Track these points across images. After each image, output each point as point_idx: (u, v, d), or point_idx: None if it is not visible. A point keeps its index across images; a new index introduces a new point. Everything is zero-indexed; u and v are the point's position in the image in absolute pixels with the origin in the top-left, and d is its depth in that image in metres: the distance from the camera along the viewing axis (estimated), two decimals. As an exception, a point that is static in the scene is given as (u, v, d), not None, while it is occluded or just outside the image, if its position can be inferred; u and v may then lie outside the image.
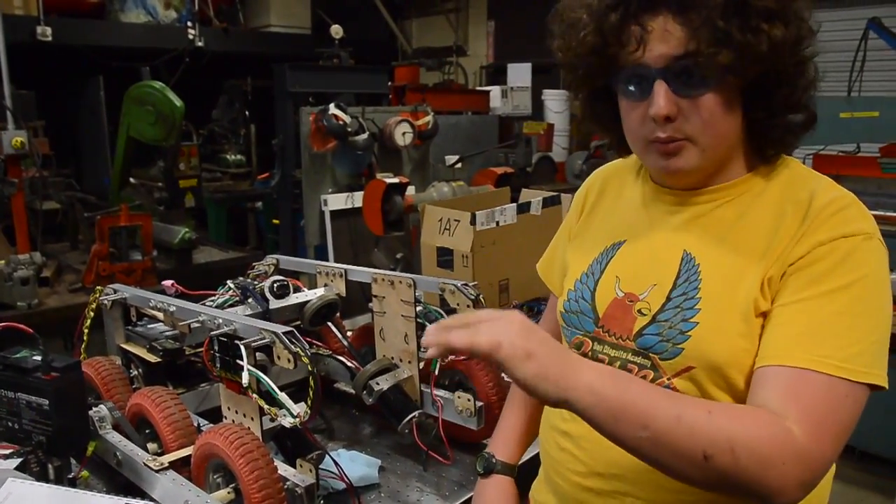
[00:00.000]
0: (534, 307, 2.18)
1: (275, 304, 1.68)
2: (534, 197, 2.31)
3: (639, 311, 1.07)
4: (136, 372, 1.72)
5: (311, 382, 1.23)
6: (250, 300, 1.69)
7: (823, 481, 1.03)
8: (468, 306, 1.61)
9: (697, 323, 1.00)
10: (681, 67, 0.96)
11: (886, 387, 0.93)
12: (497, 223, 2.15)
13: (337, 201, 4.36)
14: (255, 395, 1.29)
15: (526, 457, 1.39)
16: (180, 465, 1.36)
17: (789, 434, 0.87)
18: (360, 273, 1.77)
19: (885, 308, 0.95)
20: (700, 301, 1.01)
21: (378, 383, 1.60)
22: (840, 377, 0.90)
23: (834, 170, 4.15)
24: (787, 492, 0.87)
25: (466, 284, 1.62)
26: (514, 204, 2.23)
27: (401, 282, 1.63)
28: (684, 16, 0.94)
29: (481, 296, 1.61)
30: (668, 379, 1.03)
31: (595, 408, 0.88)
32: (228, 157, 6.93)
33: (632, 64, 0.99)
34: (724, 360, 0.98)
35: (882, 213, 3.56)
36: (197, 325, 1.45)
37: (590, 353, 1.13)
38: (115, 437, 1.46)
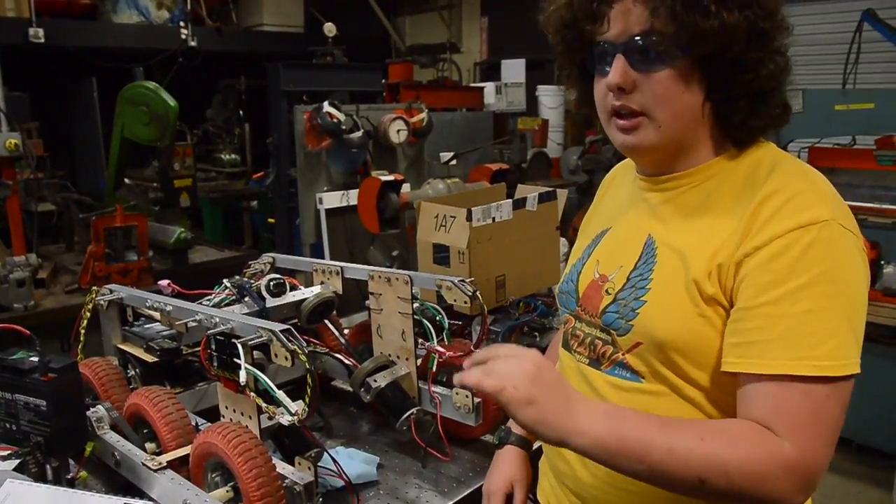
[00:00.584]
0: (530, 303, 2.18)
1: (271, 302, 1.68)
2: (530, 193, 2.30)
3: (606, 290, 1.15)
4: (133, 372, 1.72)
5: (309, 380, 1.23)
6: (247, 299, 1.68)
7: None
8: (465, 303, 1.61)
9: (646, 301, 1.07)
10: (637, 44, 1.02)
11: (858, 371, 0.95)
12: (493, 219, 2.14)
13: (332, 199, 4.35)
14: (252, 394, 1.29)
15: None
16: (178, 465, 1.36)
17: (780, 449, 0.91)
18: (357, 270, 1.77)
19: (853, 295, 0.96)
20: (651, 281, 1.07)
21: (376, 380, 1.60)
22: (819, 376, 0.92)
23: (829, 162, 4.15)
24: (786, 501, 0.91)
25: (464, 280, 1.62)
26: (510, 200, 2.22)
27: (397, 279, 1.63)
28: None
29: (478, 292, 1.61)
30: (623, 354, 1.10)
31: (592, 448, 0.95)
32: (223, 156, 6.92)
33: (598, 41, 1.06)
34: (666, 337, 1.03)
35: (878, 205, 3.56)
36: (194, 324, 1.44)
37: (571, 330, 1.22)
38: (113, 438, 1.46)
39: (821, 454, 0.92)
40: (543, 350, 1.52)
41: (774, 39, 1.04)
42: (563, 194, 2.45)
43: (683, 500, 1.05)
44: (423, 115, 4.76)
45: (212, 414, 1.54)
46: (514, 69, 6.98)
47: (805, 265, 0.94)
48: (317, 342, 1.79)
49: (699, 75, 1.03)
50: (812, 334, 0.93)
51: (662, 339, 1.03)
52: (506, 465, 1.40)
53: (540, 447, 1.43)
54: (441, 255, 2.19)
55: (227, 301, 1.69)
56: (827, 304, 0.93)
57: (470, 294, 1.59)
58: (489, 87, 6.71)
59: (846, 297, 0.95)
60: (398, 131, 4.56)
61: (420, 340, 1.67)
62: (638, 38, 1.01)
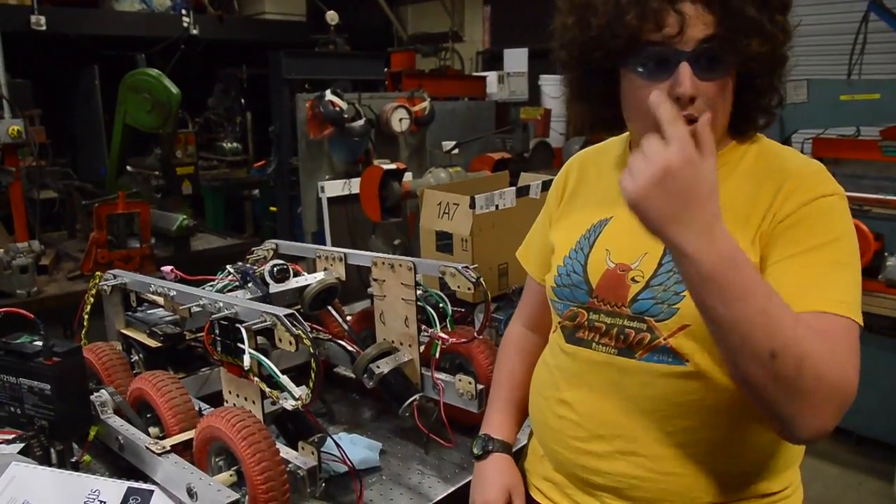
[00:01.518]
0: (533, 291, 2.18)
1: (275, 288, 1.68)
2: (533, 181, 2.30)
3: (632, 279, 1.12)
4: (136, 357, 1.72)
5: (313, 365, 1.23)
6: (250, 285, 1.68)
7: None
8: (469, 289, 1.61)
9: None
10: (705, 51, 1.01)
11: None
12: (496, 207, 2.15)
13: (334, 188, 4.35)
14: (256, 379, 1.30)
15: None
16: (182, 449, 1.36)
17: (847, 369, 0.93)
18: (360, 257, 1.77)
19: (859, 262, 1.04)
20: None
21: (378, 367, 1.61)
22: (850, 318, 0.97)
23: (833, 153, 4.14)
24: (821, 421, 0.92)
25: (467, 267, 1.61)
26: (514, 188, 2.23)
27: (401, 265, 1.63)
28: (711, 4, 1.00)
29: (481, 278, 1.61)
30: (665, 339, 1.08)
31: (702, 258, 0.89)
32: (224, 144, 6.91)
33: (660, 44, 1.02)
34: None
35: (883, 196, 3.54)
36: (197, 309, 1.44)
37: (585, 323, 1.17)
38: (116, 422, 1.46)
39: (857, 385, 0.94)
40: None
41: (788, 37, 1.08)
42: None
43: (724, 479, 1.09)
44: (426, 103, 4.75)
45: (214, 399, 1.55)
46: (516, 58, 6.96)
47: (828, 225, 1.02)
48: (320, 328, 1.79)
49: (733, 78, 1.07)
50: (838, 282, 1.00)
51: None
52: (497, 473, 1.33)
53: (520, 449, 1.40)
54: (444, 242, 2.19)
55: (230, 287, 1.69)
56: (847, 261, 1.02)
57: (473, 281, 1.59)
58: (491, 77, 6.70)
59: (857, 261, 1.03)
60: (400, 120, 4.56)
61: (423, 327, 1.67)
62: (707, 43, 1.01)
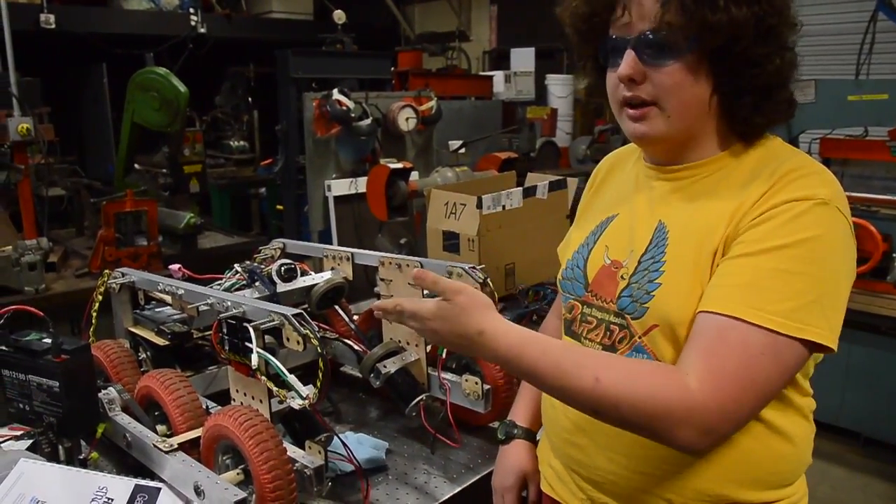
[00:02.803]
0: (539, 291, 2.18)
1: (282, 287, 1.68)
2: (540, 181, 2.30)
3: (621, 276, 1.15)
4: (144, 355, 1.73)
5: (321, 364, 1.23)
6: (257, 283, 1.68)
7: (800, 454, 1.13)
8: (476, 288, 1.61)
9: (660, 284, 1.08)
10: (648, 39, 1.04)
11: (833, 347, 0.97)
12: (503, 207, 2.14)
13: (340, 187, 4.36)
14: (263, 378, 1.30)
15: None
16: (189, 447, 1.37)
17: (683, 390, 0.94)
18: (367, 256, 1.77)
19: (830, 271, 0.98)
20: (665, 264, 1.09)
21: (385, 366, 1.61)
22: (767, 328, 0.94)
23: (841, 153, 4.12)
24: (682, 440, 0.95)
25: (474, 267, 1.61)
26: (521, 188, 2.22)
27: (408, 265, 1.63)
28: None
29: (488, 278, 1.60)
30: (639, 338, 1.11)
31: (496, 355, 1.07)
32: (231, 143, 6.92)
33: (611, 35, 1.09)
34: (680, 318, 1.04)
35: (891, 197, 3.53)
36: (205, 307, 1.44)
37: (579, 316, 1.22)
38: (124, 419, 1.46)
39: (731, 404, 0.94)
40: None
41: (782, 35, 1.06)
42: (573, 183, 2.45)
43: (698, 483, 1.08)
44: (432, 103, 4.75)
45: (222, 398, 1.55)
46: (523, 58, 6.96)
47: (789, 230, 0.98)
48: (327, 328, 1.79)
49: (707, 69, 1.05)
50: (774, 290, 0.96)
51: (676, 319, 1.04)
52: (515, 459, 1.40)
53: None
54: (451, 242, 2.19)
55: (237, 286, 1.69)
56: (799, 269, 0.96)
57: (481, 281, 1.59)
58: (498, 76, 6.69)
59: (822, 271, 0.98)
60: (407, 119, 4.56)
61: (430, 327, 1.66)
62: (649, 33, 1.04)
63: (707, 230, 1.06)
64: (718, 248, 1.04)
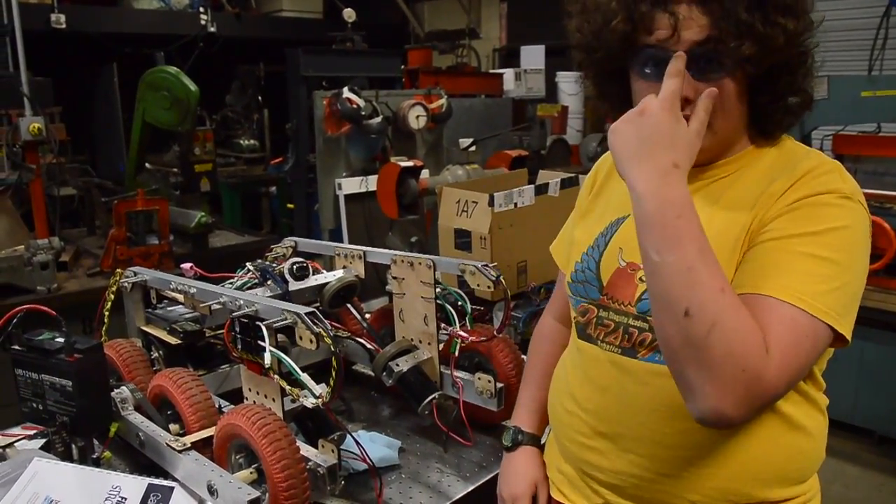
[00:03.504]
0: (551, 289, 2.16)
1: (294, 285, 1.68)
2: (551, 178, 2.29)
3: (640, 278, 1.13)
4: (156, 354, 1.73)
5: (334, 363, 1.22)
6: (269, 282, 1.68)
7: (818, 449, 1.12)
8: (488, 287, 1.61)
9: None
10: (701, 53, 1.01)
11: (849, 339, 0.96)
12: (515, 205, 2.13)
13: (351, 185, 4.35)
14: (276, 376, 1.30)
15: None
16: (202, 446, 1.37)
17: (763, 354, 0.89)
18: (379, 255, 1.76)
19: (855, 262, 0.98)
20: None
21: (398, 365, 1.60)
22: (802, 309, 0.93)
23: (855, 150, 4.08)
24: (722, 397, 0.88)
25: (487, 265, 1.61)
26: (532, 185, 2.21)
27: (420, 263, 1.63)
28: (706, 5, 1.00)
29: (502, 276, 1.60)
30: None
31: (646, 195, 0.94)
32: (242, 142, 6.93)
33: (654, 47, 1.04)
34: None
35: (904, 193, 3.50)
36: (218, 306, 1.44)
37: (595, 319, 1.19)
38: (137, 418, 1.47)
39: (783, 383, 0.91)
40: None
41: (807, 38, 1.06)
42: (585, 180, 2.43)
43: (722, 483, 1.07)
44: (443, 101, 4.74)
45: (234, 397, 1.55)
46: (533, 55, 6.94)
47: (820, 219, 0.98)
48: (339, 326, 1.79)
49: (747, 81, 1.06)
50: (804, 272, 0.95)
51: None
52: (524, 466, 1.37)
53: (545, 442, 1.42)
54: (462, 240, 2.18)
55: (249, 284, 1.69)
56: (826, 255, 0.96)
57: (494, 279, 1.58)
58: (508, 74, 6.67)
59: (849, 260, 0.98)
60: (417, 117, 4.55)
61: (442, 325, 1.66)
62: (701, 46, 1.01)
63: (729, 230, 1.05)
64: (743, 245, 1.03)
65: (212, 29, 6.34)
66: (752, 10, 0.99)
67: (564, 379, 1.27)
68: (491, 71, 7.41)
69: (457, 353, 1.63)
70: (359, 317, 1.81)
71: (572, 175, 2.36)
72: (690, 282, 0.89)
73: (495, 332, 1.65)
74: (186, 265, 1.81)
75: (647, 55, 1.06)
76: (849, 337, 0.96)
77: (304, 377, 1.27)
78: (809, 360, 0.95)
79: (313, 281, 1.71)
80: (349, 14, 5.03)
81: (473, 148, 4.65)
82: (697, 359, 0.89)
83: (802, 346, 0.93)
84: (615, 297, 1.16)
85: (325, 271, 1.77)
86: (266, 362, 1.28)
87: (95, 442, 1.44)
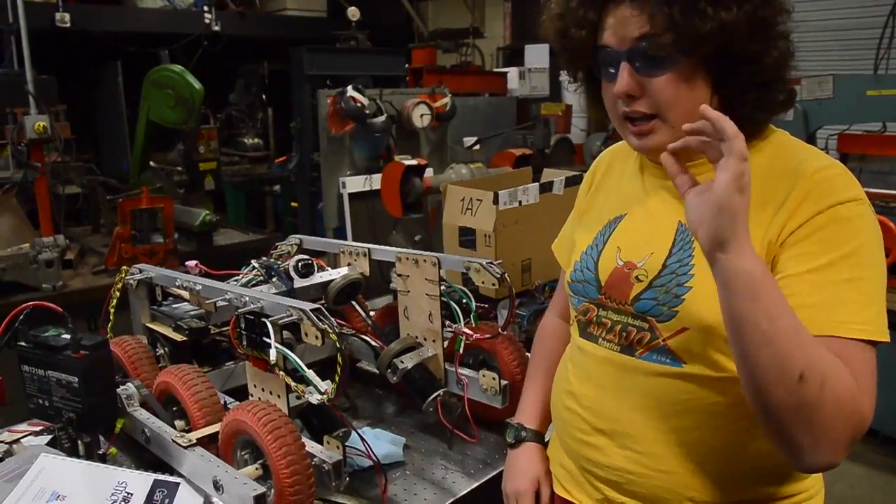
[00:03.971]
0: (555, 287, 2.17)
1: (299, 283, 1.68)
2: (556, 177, 2.29)
3: (636, 277, 1.13)
4: (161, 351, 1.74)
5: (339, 359, 1.23)
6: (275, 279, 1.69)
7: None
8: (493, 285, 1.61)
9: (691, 287, 1.06)
10: (640, 49, 1.03)
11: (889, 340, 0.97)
12: (519, 203, 2.14)
13: (355, 184, 4.35)
14: (281, 373, 1.30)
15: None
16: (208, 442, 1.37)
17: (858, 394, 0.91)
18: (384, 252, 1.76)
19: (882, 269, 1.00)
20: (694, 267, 1.07)
21: (402, 362, 1.61)
22: (863, 340, 0.94)
23: (859, 149, 4.08)
24: (834, 449, 0.90)
25: (492, 262, 1.61)
26: (537, 183, 2.21)
27: (425, 260, 1.63)
28: (641, 4, 1.02)
29: (506, 273, 1.60)
30: (664, 340, 1.09)
31: (742, 273, 0.91)
32: (246, 140, 6.94)
33: (604, 48, 1.08)
34: (718, 320, 1.00)
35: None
36: (223, 303, 1.45)
37: (594, 319, 1.20)
38: (143, 415, 1.47)
39: (872, 411, 0.92)
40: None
41: (776, 25, 1.04)
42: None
43: (721, 481, 1.07)
44: (447, 99, 4.74)
45: (239, 393, 1.56)
46: (537, 54, 6.93)
47: (845, 237, 0.97)
48: (344, 323, 1.79)
49: (704, 72, 1.05)
50: (853, 301, 0.95)
51: (713, 322, 1.01)
52: (527, 462, 1.37)
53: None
54: (467, 238, 2.18)
55: (254, 281, 1.70)
56: (864, 275, 0.97)
57: (498, 276, 1.59)
58: (512, 73, 6.68)
59: (879, 270, 0.99)
60: (421, 116, 4.55)
61: (447, 322, 1.66)
62: (640, 42, 1.03)
63: None
64: (761, 251, 1.01)
65: (216, 28, 6.35)
66: (672, 2, 0.99)
67: (565, 377, 1.28)
68: (495, 70, 7.41)
69: (461, 351, 1.63)
70: (363, 314, 1.81)
71: (577, 173, 2.36)
72: (801, 344, 0.89)
73: (500, 330, 1.65)
74: (191, 263, 1.81)
75: (600, 57, 1.09)
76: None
77: (310, 373, 1.27)
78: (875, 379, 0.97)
79: (318, 278, 1.72)
80: (353, 13, 5.04)
81: (477, 147, 4.66)
82: (809, 420, 0.89)
83: (874, 370, 0.95)
84: (613, 296, 1.16)
85: (329, 269, 1.78)
86: (271, 359, 1.28)
87: (101, 438, 1.44)
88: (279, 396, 1.36)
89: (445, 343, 1.66)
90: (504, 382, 1.58)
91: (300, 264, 1.69)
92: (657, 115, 1.07)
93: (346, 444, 1.39)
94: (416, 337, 1.69)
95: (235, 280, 1.71)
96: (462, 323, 1.65)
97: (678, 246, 1.11)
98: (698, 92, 1.05)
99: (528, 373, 1.49)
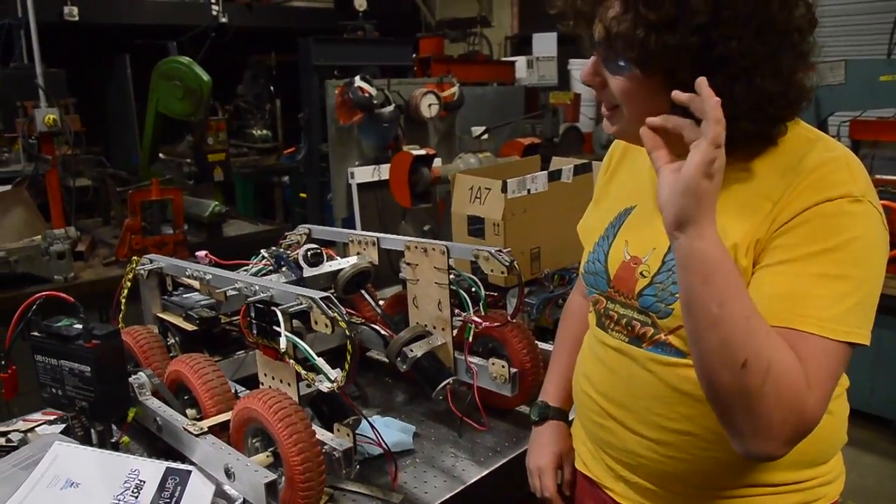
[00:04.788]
0: (565, 275, 2.16)
1: (308, 272, 1.68)
2: (565, 165, 2.28)
3: (640, 273, 1.14)
4: (172, 340, 1.74)
5: (349, 347, 1.23)
6: (284, 269, 1.69)
7: (838, 428, 1.14)
8: (502, 273, 1.61)
9: None
10: (604, 46, 1.04)
11: (868, 343, 0.95)
12: (528, 191, 2.13)
13: (364, 174, 4.36)
14: (291, 361, 1.30)
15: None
16: (219, 430, 1.38)
17: (806, 390, 0.90)
18: (393, 241, 1.77)
19: (870, 269, 0.97)
20: None
21: (412, 350, 1.61)
22: (829, 338, 0.92)
23: (872, 135, 4.04)
24: (771, 441, 0.91)
25: (500, 250, 1.61)
26: (546, 172, 2.21)
27: (434, 249, 1.63)
28: (625, 4, 1.00)
29: (515, 262, 1.60)
30: (665, 336, 1.10)
31: (696, 253, 0.92)
32: (254, 132, 6.94)
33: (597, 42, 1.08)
34: None
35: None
36: (233, 292, 1.45)
37: (603, 311, 1.22)
38: (154, 403, 1.48)
39: (822, 412, 0.92)
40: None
41: (747, 57, 0.95)
42: (597, 167, 2.42)
43: (730, 467, 1.07)
44: (455, 89, 4.74)
45: (249, 382, 1.56)
46: (545, 43, 6.91)
47: (827, 233, 0.95)
48: (353, 312, 1.79)
49: (665, 86, 0.97)
50: (821, 297, 0.94)
51: None
52: (550, 439, 1.41)
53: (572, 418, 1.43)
54: (476, 227, 2.18)
55: (264, 271, 1.70)
56: (844, 272, 0.95)
57: (507, 264, 1.58)
58: (520, 62, 6.66)
59: (865, 272, 0.96)
60: (429, 105, 4.55)
61: (456, 311, 1.66)
62: (605, 40, 1.02)
63: (731, 229, 1.01)
64: (748, 247, 1.00)
65: (223, 19, 6.34)
66: (639, 18, 0.95)
67: (582, 360, 1.31)
68: (503, 59, 7.40)
69: (471, 339, 1.63)
70: (373, 303, 1.81)
71: (585, 161, 2.35)
72: (747, 332, 0.90)
73: (509, 318, 1.65)
74: (201, 253, 1.82)
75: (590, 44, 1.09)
76: (868, 342, 0.96)
77: (320, 361, 1.28)
78: (839, 378, 0.96)
79: (328, 267, 1.72)
80: (360, 3, 5.03)
81: (486, 136, 4.65)
82: (749, 408, 0.90)
83: (834, 371, 0.94)
84: (621, 290, 1.17)
85: (339, 258, 1.78)
86: (281, 347, 1.29)
87: (114, 426, 1.45)
88: (289, 385, 1.36)
89: (455, 331, 1.66)
90: (513, 370, 1.58)
91: (309, 253, 1.69)
92: (618, 106, 1.08)
93: (357, 432, 1.39)
94: (426, 325, 1.69)
95: (245, 270, 1.71)
96: (471, 311, 1.65)
97: None
98: (656, 102, 0.99)
99: (553, 352, 1.51)
